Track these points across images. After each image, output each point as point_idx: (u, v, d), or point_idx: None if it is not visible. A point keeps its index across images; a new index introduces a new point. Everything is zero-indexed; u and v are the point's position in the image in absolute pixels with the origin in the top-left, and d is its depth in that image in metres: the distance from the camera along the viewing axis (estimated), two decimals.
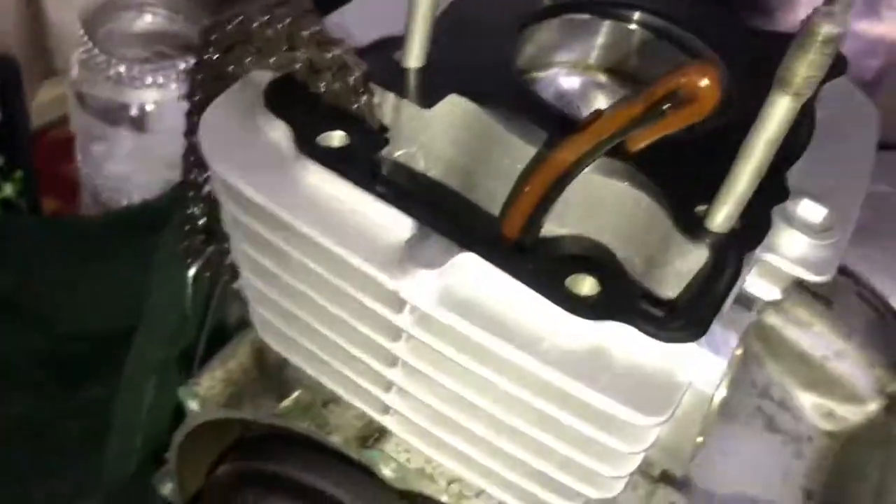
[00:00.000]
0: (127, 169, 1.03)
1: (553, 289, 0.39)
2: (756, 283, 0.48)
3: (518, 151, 0.47)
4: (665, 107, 0.37)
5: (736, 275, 0.42)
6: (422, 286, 0.40)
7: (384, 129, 0.46)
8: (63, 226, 1.04)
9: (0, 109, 0.97)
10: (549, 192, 0.41)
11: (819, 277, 0.46)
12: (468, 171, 0.49)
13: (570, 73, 0.58)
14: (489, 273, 0.40)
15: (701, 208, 0.44)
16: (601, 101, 0.57)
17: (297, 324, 0.47)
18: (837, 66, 0.49)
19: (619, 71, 0.57)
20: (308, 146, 0.43)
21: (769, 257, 0.46)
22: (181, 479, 0.66)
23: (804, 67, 0.38)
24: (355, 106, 0.45)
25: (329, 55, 0.45)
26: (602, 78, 0.57)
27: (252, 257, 0.46)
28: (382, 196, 0.42)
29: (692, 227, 0.43)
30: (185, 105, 1.00)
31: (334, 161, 0.43)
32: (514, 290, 0.40)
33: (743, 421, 0.69)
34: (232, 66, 0.47)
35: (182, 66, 0.95)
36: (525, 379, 0.40)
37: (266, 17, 0.45)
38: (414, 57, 0.48)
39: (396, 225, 0.41)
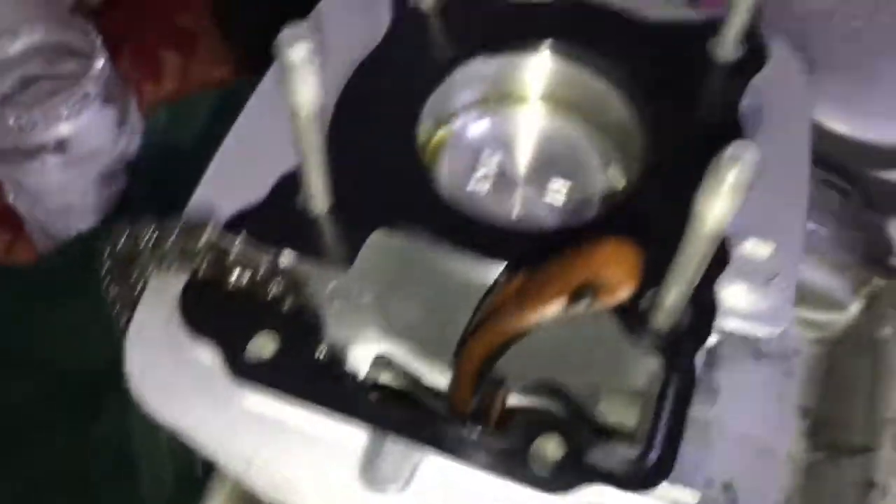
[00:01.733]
0: (65, 197, 1.00)
1: (519, 471, 0.39)
2: None
3: (449, 280, 0.45)
4: (583, 300, 0.35)
5: (691, 381, 0.42)
6: (389, 499, 0.40)
7: (310, 310, 0.44)
8: (24, 273, 1.03)
9: None
10: (481, 371, 0.40)
11: (774, 330, 0.45)
12: (390, 303, 0.48)
13: (481, 115, 0.55)
14: (452, 465, 0.40)
15: (647, 297, 0.43)
16: (521, 131, 0.55)
17: None
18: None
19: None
20: (237, 366, 0.42)
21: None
22: None
23: (719, 207, 0.36)
24: (271, 295, 0.43)
25: (230, 258, 0.42)
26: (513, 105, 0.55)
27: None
28: (326, 404, 0.41)
29: (637, 332, 0.43)
30: (105, 117, 0.96)
31: (267, 377, 0.41)
32: (481, 476, 0.40)
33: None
34: (136, 274, 0.45)
35: (87, 85, 0.90)
36: None
37: (154, 234, 0.42)
38: (320, 201, 0.46)
39: (348, 436, 0.41)
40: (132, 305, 0.47)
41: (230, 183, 0.47)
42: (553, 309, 0.36)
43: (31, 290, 0.98)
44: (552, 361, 0.45)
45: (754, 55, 0.51)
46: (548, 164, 0.54)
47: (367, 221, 0.46)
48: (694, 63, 0.51)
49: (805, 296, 0.70)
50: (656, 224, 0.46)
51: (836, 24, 0.89)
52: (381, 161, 0.48)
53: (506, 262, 0.44)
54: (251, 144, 0.48)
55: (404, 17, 0.54)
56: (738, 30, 0.50)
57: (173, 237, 0.42)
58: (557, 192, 0.52)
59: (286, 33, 0.37)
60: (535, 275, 0.37)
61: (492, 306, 0.41)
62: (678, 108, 0.50)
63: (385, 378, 0.52)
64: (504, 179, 0.53)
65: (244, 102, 0.52)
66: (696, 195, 0.36)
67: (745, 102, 0.50)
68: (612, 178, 0.53)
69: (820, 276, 0.71)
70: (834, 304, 0.71)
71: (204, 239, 0.42)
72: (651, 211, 0.47)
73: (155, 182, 0.99)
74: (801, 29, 0.89)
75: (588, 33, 0.53)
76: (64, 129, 0.92)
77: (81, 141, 0.95)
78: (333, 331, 0.48)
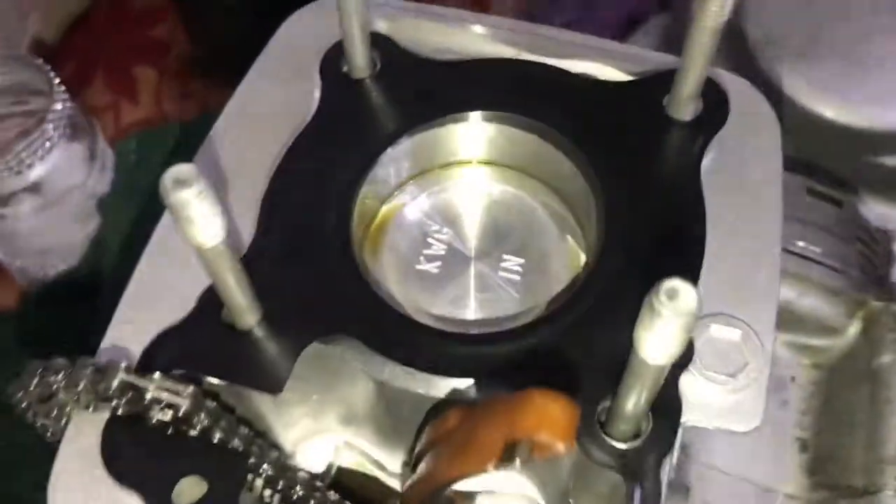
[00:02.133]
0: (42, 241, 0.98)
1: None
2: None
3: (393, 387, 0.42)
4: (516, 458, 0.32)
5: (657, 495, 0.39)
6: None
7: (243, 439, 0.41)
8: (6, 317, 1.01)
9: None
10: None
11: (746, 427, 0.42)
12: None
13: (425, 187, 0.52)
14: None
15: (603, 405, 0.40)
16: (469, 201, 0.51)
17: None
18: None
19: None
20: None
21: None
22: None
23: (657, 346, 0.32)
24: (199, 428, 0.40)
25: (147, 397, 0.39)
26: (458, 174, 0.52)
27: None
28: None
29: (594, 444, 0.39)
30: (74, 154, 0.94)
31: None
32: None
33: None
34: (56, 411, 0.42)
35: (49, 128, 0.87)
36: None
37: (64, 378, 0.39)
38: (247, 317, 0.42)
39: None
40: (62, 432, 0.44)
41: (152, 300, 0.44)
42: (485, 469, 0.33)
43: (13, 334, 0.97)
44: None
45: (714, 109, 0.47)
46: (500, 235, 0.50)
47: (301, 333, 0.42)
48: (647, 123, 0.47)
49: (798, 320, 0.66)
50: (612, 319, 0.42)
51: (824, 7, 0.84)
52: (314, 263, 0.45)
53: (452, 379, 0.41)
54: (171, 258, 0.45)
55: (336, 86, 0.50)
56: (694, 83, 0.46)
57: (85, 380, 0.39)
58: (512, 269, 0.48)
59: (168, 178, 0.33)
60: (469, 418, 0.34)
61: (429, 444, 0.37)
62: (633, 175, 0.46)
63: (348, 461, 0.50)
64: (455, 256, 0.49)
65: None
66: (636, 326, 0.33)
67: (707, 163, 0.46)
68: (570, 248, 0.49)
69: (811, 300, 0.66)
70: (829, 329, 0.67)
71: (116, 381, 0.39)
72: (606, 303, 0.43)
73: (128, 219, 0.97)
74: (786, 13, 0.84)
75: (531, 94, 0.49)
76: (34, 173, 0.90)
77: (53, 181, 0.93)
78: (284, 436, 0.46)
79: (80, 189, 0.95)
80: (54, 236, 0.98)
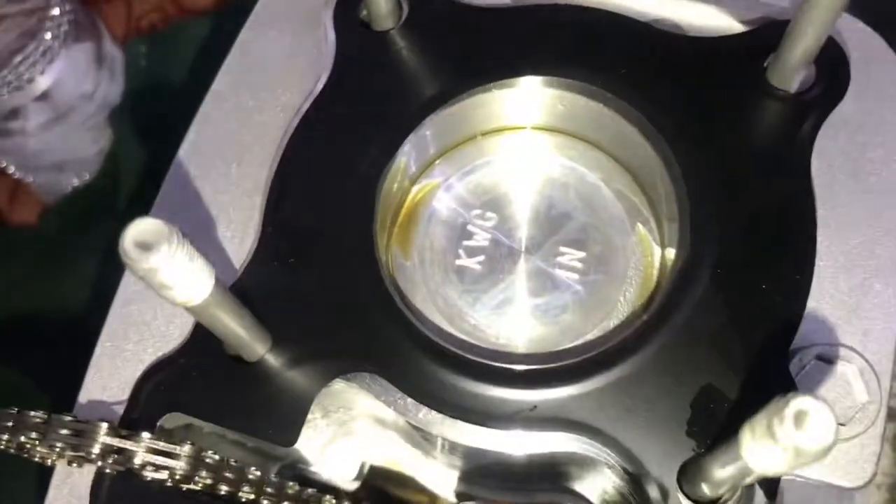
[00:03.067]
0: (54, 155, 0.94)
1: None
2: None
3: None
4: None
5: None
6: None
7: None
8: (26, 233, 0.97)
9: None
10: None
11: (856, 482, 0.35)
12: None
13: (465, 162, 0.43)
14: None
15: (690, 461, 0.33)
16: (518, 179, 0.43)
17: None
18: None
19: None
20: None
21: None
22: None
23: (770, 464, 0.25)
24: (200, 486, 0.34)
25: (136, 461, 0.33)
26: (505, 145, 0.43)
27: None
28: None
29: None
30: (80, 57, 0.88)
31: None
32: None
33: None
34: (38, 458, 0.36)
35: (47, 35, 0.81)
36: None
37: (38, 436, 0.33)
38: (253, 350, 0.35)
39: None
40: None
41: (140, 326, 0.37)
42: None
43: (34, 250, 0.93)
44: None
45: (831, 78, 0.36)
46: (556, 221, 0.41)
47: (319, 369, 0.36)
48: (743, 93, 0.37)
49: None
50: (698, 351, 0.34)
51: None
52: (331, 272, 0.37)
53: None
54: None
55: (353, 40, 0.41)
56: (811, 44, 0.35)
57: (62, 442, 0.33)
58: (569, 266, 0.40)
59: (129, 243, 0.25)
60: None
61: None
62: (724, 159, 0.37)
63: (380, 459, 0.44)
64: (500, 248, 0.41)
65: (226, 32, 0.43)
66: (744, 427, 0.25)
67: (819, 146, 0.37)
68: (642, 239, 0.41)
69: None
70: None
71: (97, 446, 0.32)
72: (692, 330, 0.35)
73: (141, 132, 0.91)
74: None
75: (597, 52, 0.39)
76: (39, 85, 0.85)
77: (61, 91, 0.87)
78: (307, 447, 0.40)
79: (90, 99, 0.90)
80: (67, 150, 0.93)
